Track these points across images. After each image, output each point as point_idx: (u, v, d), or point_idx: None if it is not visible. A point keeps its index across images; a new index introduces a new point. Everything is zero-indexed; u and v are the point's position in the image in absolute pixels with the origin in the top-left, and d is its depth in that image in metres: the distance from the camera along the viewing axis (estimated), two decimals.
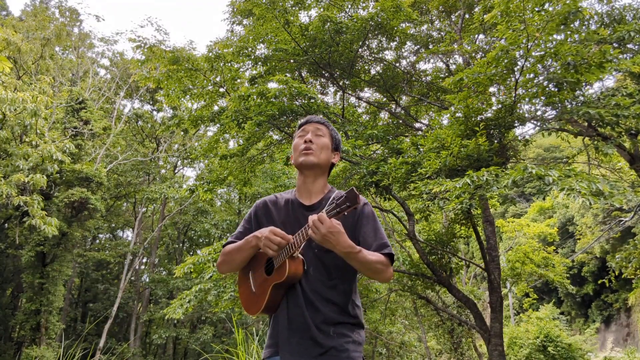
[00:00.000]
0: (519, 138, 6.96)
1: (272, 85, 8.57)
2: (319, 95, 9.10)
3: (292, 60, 9.04)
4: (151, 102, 27.52)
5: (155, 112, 28.01)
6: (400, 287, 10.82)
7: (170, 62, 8.96)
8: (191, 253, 27.65)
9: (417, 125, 10.15)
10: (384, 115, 11.18)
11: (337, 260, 1.74)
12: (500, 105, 6.06)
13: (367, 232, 1.83)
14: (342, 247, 1.62)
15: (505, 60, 5.57)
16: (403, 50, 10.04)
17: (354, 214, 1.84)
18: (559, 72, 5.40)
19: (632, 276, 9.38)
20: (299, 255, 1.75)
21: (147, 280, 26.12)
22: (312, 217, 1.60)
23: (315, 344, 1.72)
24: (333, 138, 2.01)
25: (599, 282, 12.63)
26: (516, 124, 6.25)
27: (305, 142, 1.93)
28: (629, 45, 6.49)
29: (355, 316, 1.83)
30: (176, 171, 29.74)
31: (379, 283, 12.96)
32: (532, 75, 5.81)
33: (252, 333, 4.55)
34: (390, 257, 1.80)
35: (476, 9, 8.86)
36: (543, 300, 26.78)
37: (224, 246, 1.97)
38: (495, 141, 6.19)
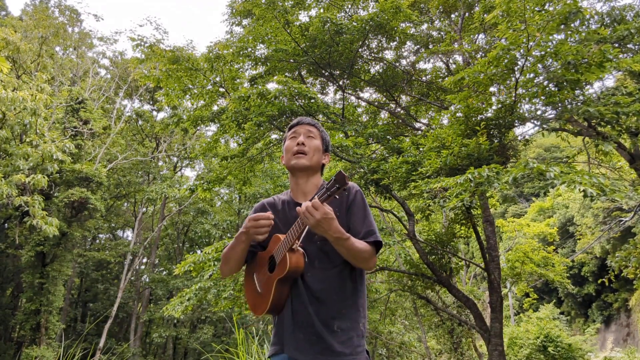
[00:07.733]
0: (519, 138, 6.96)
1: (272, 85, 8.56)
2: (319, 95, 9.09)
3: (292, 61, 9.03)
4: (151, 102, 27.51)
5: (155, 112, 28.01)
6: (400, 287, 10.82)
7: (170, 61, 8.96)
8: (191, 253, 27.59)
9: (417, 125, 10.15)
10: (384, 115, 11.18)
11: None
12: (500, 105, 6.06)
13: (356, 219, 1.86)
14: (333, 232, 1.64)
15: (506, 60, 5.57)
16: (403, 50, 10.04)
17: (346, 200, 1.87)
18: (559, 71, 5.40)
19: (632, 276, 9.37)
20: (299, 248, 1.76)
21: (147, 280, 26.10)
22: (306, 203, 1.62)
23: (319, 340, 1.75)
24: (324, 139, 2.03)
25: (599, 281, 12.62)
26: (516, 124, 6.26)
27: (298, 144, 1.94)
28: (629, 45, 6.50)
29: (357, 303, 1.86)
30: (176, 171, 29.73)
31: (379, 283, 12.97)
32: (532, 75, 5.82)
33: (252, 333, 4.54)
34: (376, 244, 1.82)
35: (476, 9, 8.86)
36: (543, 300, 26.79)
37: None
38: (496, 141, 6.19)
